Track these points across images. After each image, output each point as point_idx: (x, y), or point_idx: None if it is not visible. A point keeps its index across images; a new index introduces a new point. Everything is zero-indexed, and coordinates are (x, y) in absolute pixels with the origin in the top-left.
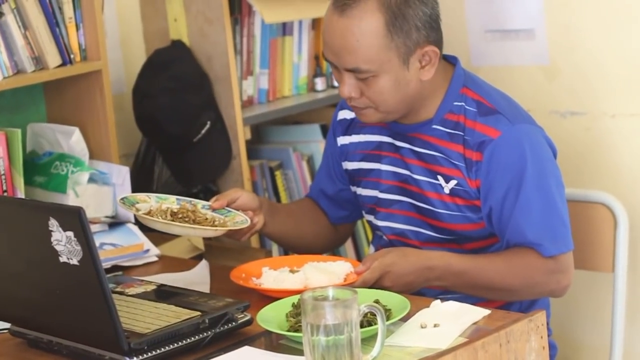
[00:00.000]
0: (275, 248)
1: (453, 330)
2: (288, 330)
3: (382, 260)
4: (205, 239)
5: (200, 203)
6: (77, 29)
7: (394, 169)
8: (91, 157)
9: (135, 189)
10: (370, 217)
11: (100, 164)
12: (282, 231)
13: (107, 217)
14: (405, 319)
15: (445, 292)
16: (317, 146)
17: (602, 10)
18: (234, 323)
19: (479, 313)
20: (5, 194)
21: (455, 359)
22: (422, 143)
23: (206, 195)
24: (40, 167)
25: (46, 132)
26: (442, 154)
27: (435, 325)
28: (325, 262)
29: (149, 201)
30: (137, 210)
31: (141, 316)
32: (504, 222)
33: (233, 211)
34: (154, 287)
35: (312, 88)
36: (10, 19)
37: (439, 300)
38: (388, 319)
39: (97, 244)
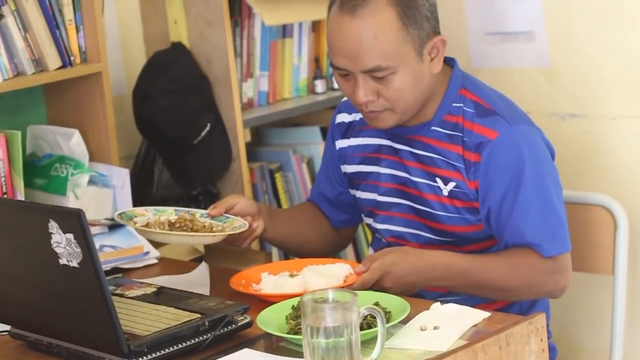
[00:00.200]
0: (275, 250)
1: (453, 332)
2: (288, 333)
3: (382, 260)
4: None
5: (198, 212)
6: (77, 31)
7: (393, 171)
8: (91, 159)
9: (135, 190)
10: (369, 220)
11: (100, 166)
12: (283, 236)
13: (107, 219)
14: (405, 322)
15: (445, 295)
16: (317, 148)
17: (602, 13)
18: (233, 325)
19: (478, 315)
20: (5, 196)
21: None
22: (421, 145)
23: (206, 197)
24: (40, 169)
25: (46, 134)
26: (441, 155)
27: (435, 328)
28: (324, 265)
29: (146, 214)
30: (135, 223)
31: (141, 318)
32: (503, 223)
33: (231, 217)
34: (154, 289)
35: (312, 90)
36: (10, 21)
37: (438, 303)
38: (388, 321)
39: (97, 246)
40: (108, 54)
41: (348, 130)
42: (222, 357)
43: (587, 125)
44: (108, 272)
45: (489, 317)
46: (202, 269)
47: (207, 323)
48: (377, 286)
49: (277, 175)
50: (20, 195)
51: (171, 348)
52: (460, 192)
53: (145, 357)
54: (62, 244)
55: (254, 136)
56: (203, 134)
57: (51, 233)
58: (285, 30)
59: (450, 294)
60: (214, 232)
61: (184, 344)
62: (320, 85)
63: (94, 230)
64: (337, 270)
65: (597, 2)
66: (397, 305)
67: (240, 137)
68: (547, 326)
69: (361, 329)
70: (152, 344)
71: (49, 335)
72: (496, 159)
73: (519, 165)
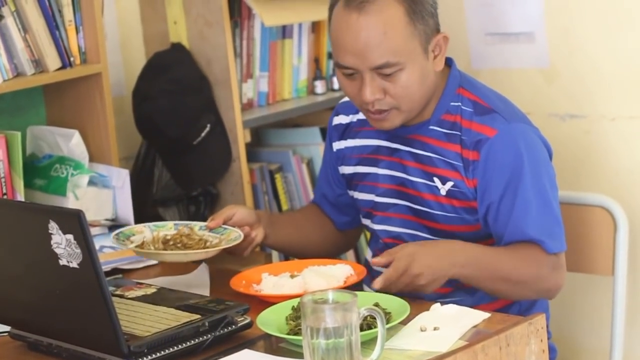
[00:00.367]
0: (275, 251)
1: (453, 333)
2: (288, 334)
3: (403, 251)
4: None
5: (197, 225)
6: (77, 31)
7: (391, 172)
8: (91, 159)
9: (135, 191)
10: (367, 221)
11: (100, 166)
12: (286, 241)
13: (107, 220)
14: (405, 322)
15: (444, 296)
16: (317, 149)
17: (601, 14)
18: (233, 326)
19: (478, 316)
20: (5, 197)
21: None
22: (419, 144)
23: (206, 197)
24: (40, 169)
25: (46, 135)
26: (439, 155)
27: (435, 329)
28: (325, 266)
29: (144, 231)
30: (131, 242)
31: (141, 319)
32: (502, 221)
33: (229, 228)
34: (154, 290)
35: (312, 91)
36: (10, 22)
37: (438, 304)
38: (388, 322)
39: (97, 246)
40: (108, 55)
41: (345, 131)
42: (222, 358)
43: (587, 126)
44: (108, 273)
45: (488, 317)
46: (202, 270)
47: (207, 324)
48: (406, 278)
49: (277, 176)
50: (20, 196)
51: (171, 349)
52: (458, 191)
53: (145, 358)
54: (62, 244)
55: (253, 137)
56: (203, 134)
57: (51, 234)
58: (285, 31)
59: (450, 294)
60: (207, 247)
61: (184, 344)
62: (320, 86)
63: (94, 231)
64: (337, 271)
65: (597, 3)
66: (397, 306)
67: (240, 138)
68: (547, 327)
69: (361, 329)
70: (152, 344)
71: (49, 336)
72: (495, 156)
73: (517, 163)
